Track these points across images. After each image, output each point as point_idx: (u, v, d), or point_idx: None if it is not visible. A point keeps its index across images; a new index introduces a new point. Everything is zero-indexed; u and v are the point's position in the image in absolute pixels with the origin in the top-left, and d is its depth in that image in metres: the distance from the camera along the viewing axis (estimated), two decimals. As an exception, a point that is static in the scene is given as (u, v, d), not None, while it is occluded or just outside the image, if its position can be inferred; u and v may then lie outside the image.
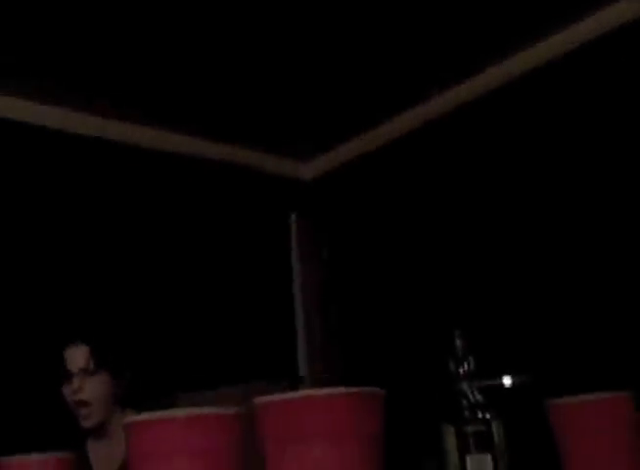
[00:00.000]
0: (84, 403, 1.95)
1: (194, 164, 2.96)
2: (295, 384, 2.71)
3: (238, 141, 3.06)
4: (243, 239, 3.11)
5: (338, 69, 2.64)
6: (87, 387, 1.95)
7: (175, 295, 2.86)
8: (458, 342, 1.45)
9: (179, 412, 0.75)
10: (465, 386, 1.41)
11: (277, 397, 0.77)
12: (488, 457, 1.32)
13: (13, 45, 2.32)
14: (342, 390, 0.77)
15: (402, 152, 2.98)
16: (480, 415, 1.36)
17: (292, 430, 0.76)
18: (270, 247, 3.23)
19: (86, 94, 2.62)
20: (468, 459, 1.32)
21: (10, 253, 2.53)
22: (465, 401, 1.39)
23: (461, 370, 1.43)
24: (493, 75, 2.69)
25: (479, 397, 1.40)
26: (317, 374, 3.04)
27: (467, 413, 1.37)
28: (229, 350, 2.91)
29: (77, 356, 1.97)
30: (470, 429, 1.35)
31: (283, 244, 3.29)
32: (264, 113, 2.87)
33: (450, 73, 2.72)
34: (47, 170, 2.64)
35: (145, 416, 0.76)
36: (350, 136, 3.12)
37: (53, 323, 2.39)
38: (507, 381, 2.52)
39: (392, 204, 3.05)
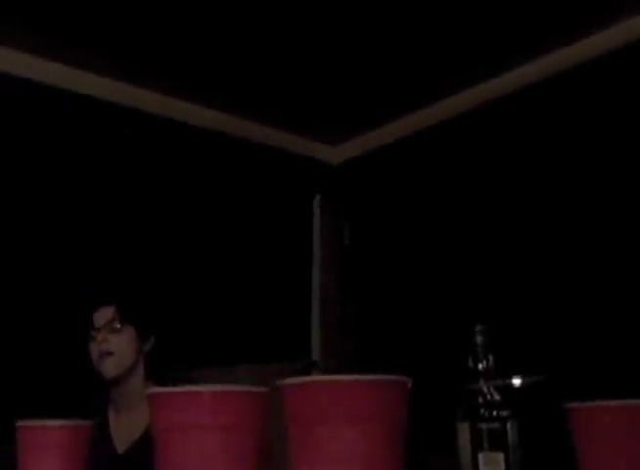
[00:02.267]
0: (108, 354, 1.98)
1: (224, 140, 2.96)
2: (308, 368, 2.71)
3: (271, 121, 3.05)
4: (266, 219, 3.11)
5: (376, 57, 2.63)
6: (113, 339, 1.99)
7: (196, 270, 2.87)
8: (479, 338, 1.43)
9: (206, 387, 0.75)
10: (482, 383, 1.40)
11: (303, 379, 0.77)
12: (501, 456, 1.32)
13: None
14: (370, 377, 0.77)
15: (432, 142, 2.96)
16: (495, 413, 1.36)
17: (316, 413, 0.75)
18: (292, 228, 3.23)
19: (132, 67, 2.63)
20: (480, 457, 1.32)
21: (40, 219, 2.56)
22: (481, 399, 1.38)
23: (479, 367, 1.42)
24: (529, 69, 2.68)
25: (495, 395, 1.39)
26: (330, 360, 3.04)
27: (482, 411, 1.36)
28: (243, 329, 2.92)
29: (104, 313, 2.02)
30: (484, 426, 1.34)
31: (305, 226, 3.29)
32: (298, 94, 2.86)
33: (483, 66, 2.70)
34: (93, 137, 2.66)
35: (171, 388, 0.77)
36: (381, 123, 3.10)
37: (81, 289, 2.41)
38: (517, 381, 2.52)
39: (418, 193, 3.04)
